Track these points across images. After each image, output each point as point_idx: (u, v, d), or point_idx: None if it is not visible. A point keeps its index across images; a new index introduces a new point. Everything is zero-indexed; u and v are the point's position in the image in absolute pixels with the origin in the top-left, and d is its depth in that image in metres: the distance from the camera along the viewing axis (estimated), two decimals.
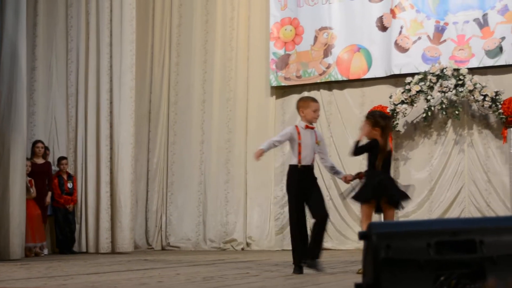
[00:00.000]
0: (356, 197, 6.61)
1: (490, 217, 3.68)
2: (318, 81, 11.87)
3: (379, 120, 6.62)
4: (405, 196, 6.51)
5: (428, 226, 3.00)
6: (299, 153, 6.94)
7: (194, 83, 12.71)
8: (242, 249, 12.01)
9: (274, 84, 12.18)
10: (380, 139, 6.56)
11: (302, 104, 7.08)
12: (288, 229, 11.85)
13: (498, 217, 3.11)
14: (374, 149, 6.55)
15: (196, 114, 12.66)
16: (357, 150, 6.65)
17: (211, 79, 12.61)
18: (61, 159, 11.33)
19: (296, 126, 7.02)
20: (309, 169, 6.98)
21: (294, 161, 7.02)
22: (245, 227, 12.13)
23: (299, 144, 6.92)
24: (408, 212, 11.11)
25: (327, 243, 11.54)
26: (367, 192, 6.49)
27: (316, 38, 11.94)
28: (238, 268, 7.45)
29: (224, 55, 12.60)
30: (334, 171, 7.27)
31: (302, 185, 6.99)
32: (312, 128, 7.00)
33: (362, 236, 3.07)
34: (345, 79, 11.70)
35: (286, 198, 11.74)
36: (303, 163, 6.93)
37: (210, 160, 12.46)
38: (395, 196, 6.47)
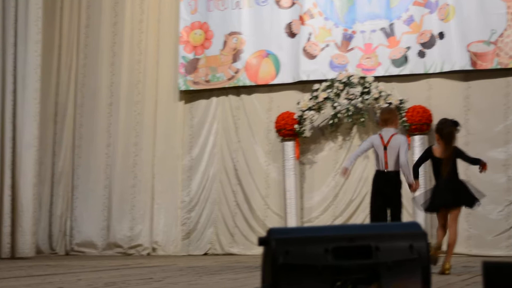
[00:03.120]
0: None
1: (386, 223, 3.75)
2: (227, 85, 11.88)
3: (438, 126, 7.52)
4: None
5: (326, 232, 3.03)
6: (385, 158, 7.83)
7: (101, 85, 12.54)
8: (148, 254, 11.90)
9: (183, 88, 12.12)
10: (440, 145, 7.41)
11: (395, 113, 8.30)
12: (194, 234, 11.86)
13: (393, 223, 3.16)
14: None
15: (102, 117, 12.48)
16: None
17: (118, 81, 12.46)
18: None
19: (379, 134, 7.93)
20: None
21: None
22: (151, 232, 12.01)
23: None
24: (312, 218, 11.24)
25: (232, 248, 11.58)
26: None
27: (225, 42, 11.94)
28: (142, 273, 7.37)
29: (132, 57, 12.48)
30: None
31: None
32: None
33: (261, 242, 3.07)
34: (253, 84, 11.74)
35: (193, 203, 11.85)
36: (380, 168, 7.87)
37: (116, 164, 12.29)
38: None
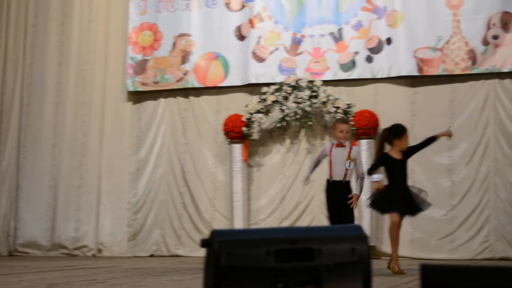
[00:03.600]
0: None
1: (328, 226, 3.78)
2: (175, 87, 11.84)
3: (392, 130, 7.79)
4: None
5: (268, 234, 3.04)
6: (330, 168, 8.04)
7: (48, 85, 12.39)
8: (93, 255, 11.80)
9: (131, 89, 12.04)
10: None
11: (333, 125, 8.47)
12: (140, 235, 11.80)
13: (335, 226, 3.18)
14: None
15: (49, 116, 12.33)
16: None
17: (66, 81, 12.33)
18: None
19: (332, 144, 8.26)
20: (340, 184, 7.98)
21: (327, 176, 8.12)
22: (96, 233, 11.91)
23: (330, 161, 8.03)
24: (259, 220, 11.26)
25: (179, 250, 11.55)
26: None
27: (174, 44, 11.90)
28: (86, 275, 7.30)
29: (80, 57, 12.36)
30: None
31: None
32: (341, 146, 8.03)
33: (204, 243, 3.07)
34: (202, 86, 11.72)
35: (140, 204, 11.78)
36: (334, 178, 7.98)
37: (62, 164, 12.16)
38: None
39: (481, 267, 2.29)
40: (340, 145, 8.04)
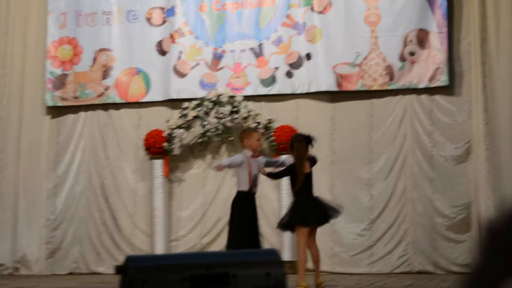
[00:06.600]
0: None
1: (243, 251, 3.79)
2: (96, 102, 11.70)
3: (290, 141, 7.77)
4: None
5: (184, 260, 3.03)
6: (250, 180, 7.87)
7: None
8: (10, 274, 11.52)
9: (50, 104, 11.84)
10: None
11: (245, 135, 8.20)
12: (59, 253, 11.59)
13: (250, 251, 3.20)
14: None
15: None
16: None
17: None
18: None
19: (245, 155, 8.01)
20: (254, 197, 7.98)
21: (245, 187, 7.90)
22: (13, 251, 11.64)
23: (249, 172, 7.85)
24: (180, 236, 11.21)
25: (98, 268, 11.39)
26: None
27: (95, 59, 11.77)
28: None
29: None
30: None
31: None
32: (257, 156, 8.00)
33: (119, 270, 3.04)
34: (123, 101, 11.61)
35: (58, 221, 11.55)
36: (253, 190, 7.92)
37: None
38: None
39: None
40: (255, 155, 8.02)
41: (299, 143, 7.58)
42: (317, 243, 7.74)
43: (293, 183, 7.62)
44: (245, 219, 7.87)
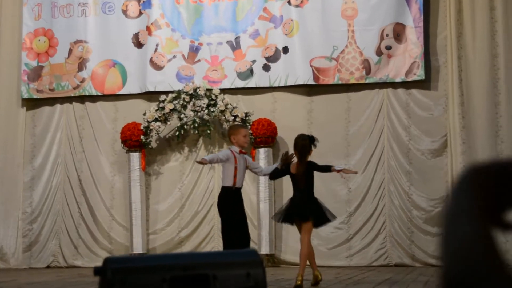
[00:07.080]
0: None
1: (223, 251, 3.80)
2: (72, 95, 11.64)
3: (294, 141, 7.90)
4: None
5: (163, 261, 3.03)
6: (235, 176, 7.86)
7: None
8: None
9: (26, 96, 11.76)
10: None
11: (233, 131, 8.20)
12: (36, 246, 11.53)
13: (230, 251, 3.20)
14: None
15: None
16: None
17: None
18: None
19: (232, 151, 7.98)
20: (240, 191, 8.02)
21: (229, 183, 7.92)
22: None
23: (235, 168, 7.85)
24: (158, 230, 11.20)
25: (76, 261, 11.35)
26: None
27: (71, 51, 11.69)
28: None
29: None
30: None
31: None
32: (244, 153, 8.09)
33: (97, 271, 3.03)
34: (99, 94, 11.56)
35: (35, 214, 11.49)
36: (237, 185, 7.91)
37: None
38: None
39: None
40: (242, 151, 8.07)
41: (303, 143, 7.77)
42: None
43: (293, 183, 7.77)
44: (237, 218, 7.94)
